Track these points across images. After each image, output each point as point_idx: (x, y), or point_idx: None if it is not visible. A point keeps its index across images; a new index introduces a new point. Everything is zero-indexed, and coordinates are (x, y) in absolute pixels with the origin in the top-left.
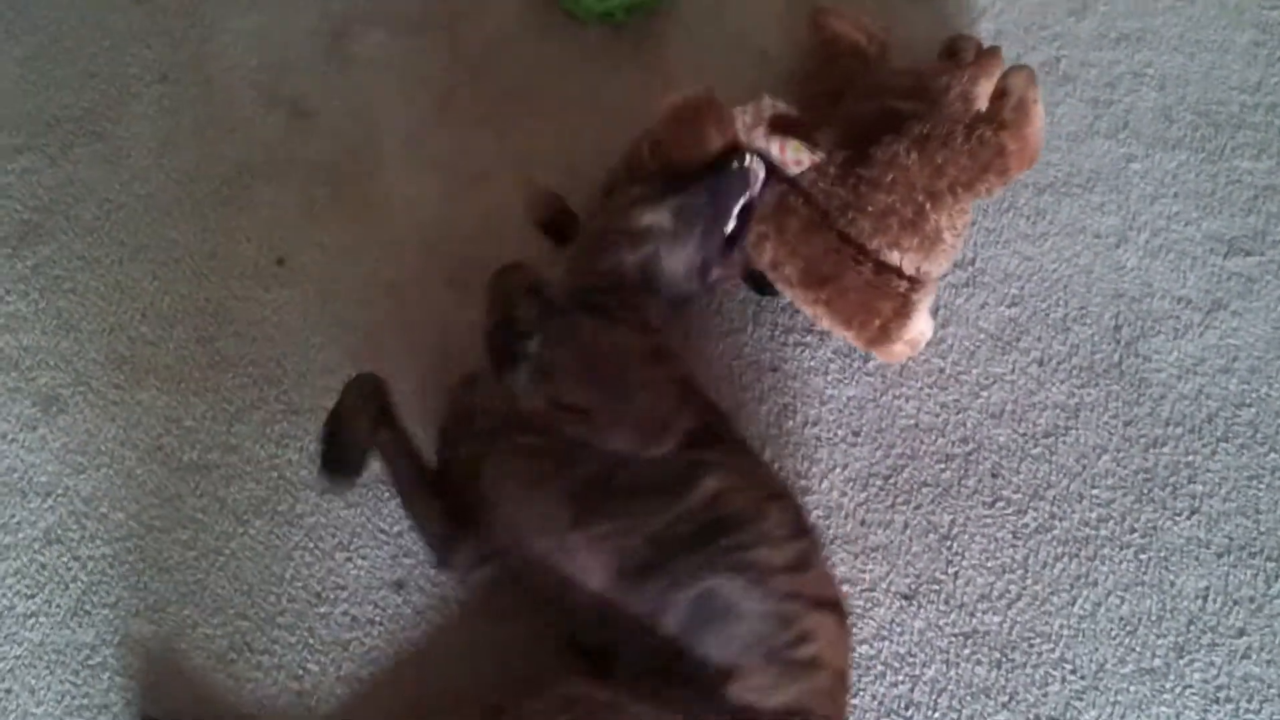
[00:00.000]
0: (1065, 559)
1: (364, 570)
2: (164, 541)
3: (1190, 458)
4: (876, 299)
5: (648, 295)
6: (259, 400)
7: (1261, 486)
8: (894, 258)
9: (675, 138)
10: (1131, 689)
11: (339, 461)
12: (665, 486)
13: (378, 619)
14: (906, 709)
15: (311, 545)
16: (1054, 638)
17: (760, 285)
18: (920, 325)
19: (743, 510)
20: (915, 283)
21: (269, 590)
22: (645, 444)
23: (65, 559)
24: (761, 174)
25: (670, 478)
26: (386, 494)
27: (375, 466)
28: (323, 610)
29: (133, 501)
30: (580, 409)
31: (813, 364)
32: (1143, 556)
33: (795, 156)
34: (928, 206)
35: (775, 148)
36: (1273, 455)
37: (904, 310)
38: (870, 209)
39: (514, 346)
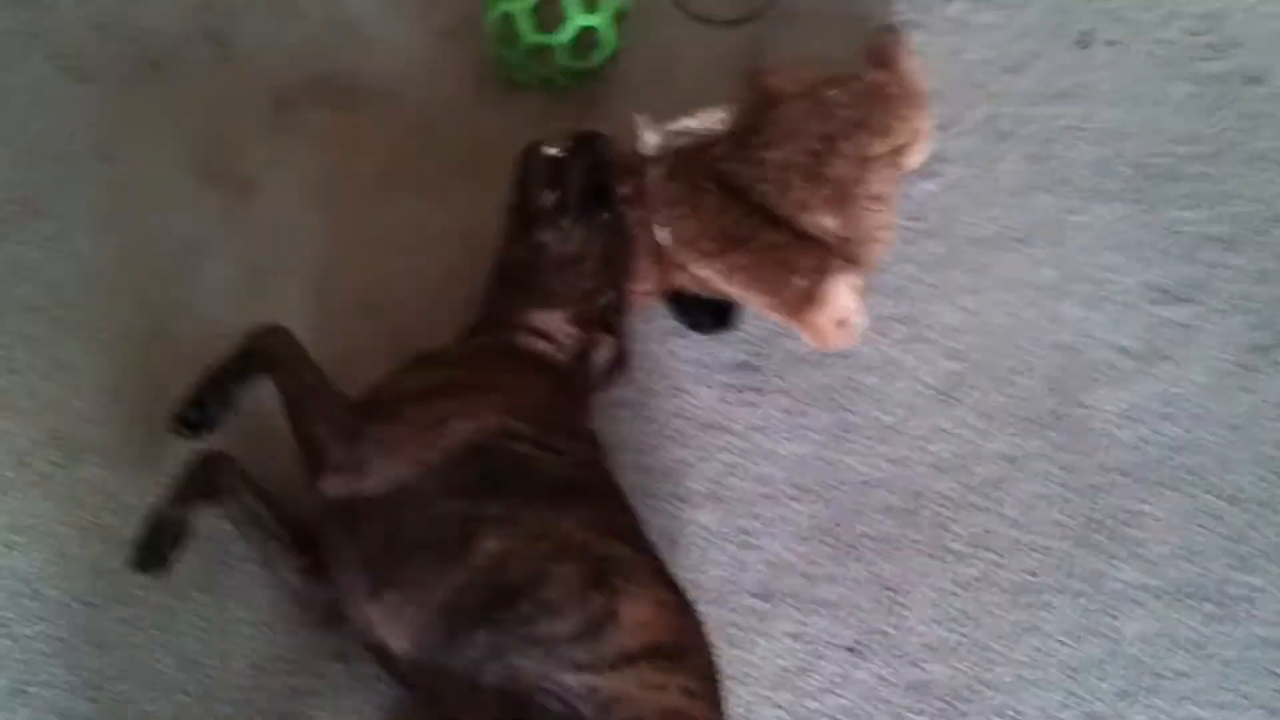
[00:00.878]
0: (1010, 607)
1: (305, 641)
2: (103, 618)
3: (1131, 504)
4: (795, 256)
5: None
6: None
7: (1202, 531)
8: (807, 222)
9: None
10: None
11: (153, 548)
12: (445, 546)
13: (321, 690)
14: None
15: (252, 618)
16: (1000, 686)
17: (696, 321)
18: (847, 299)
19: (524, 577)
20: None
21: (210, 664)
22: (421, 450)
23: (3, 640)
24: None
25: (448, 535)
26: None
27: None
28: (264, 682)
29: (71, 579)
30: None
31: (758, 421)
32: (1083, 602)
33: (713, 117)
34: (823, 152)
35: (694, 122)
36: (1212, 500)
37: (823, 267)
38: (771, 171)
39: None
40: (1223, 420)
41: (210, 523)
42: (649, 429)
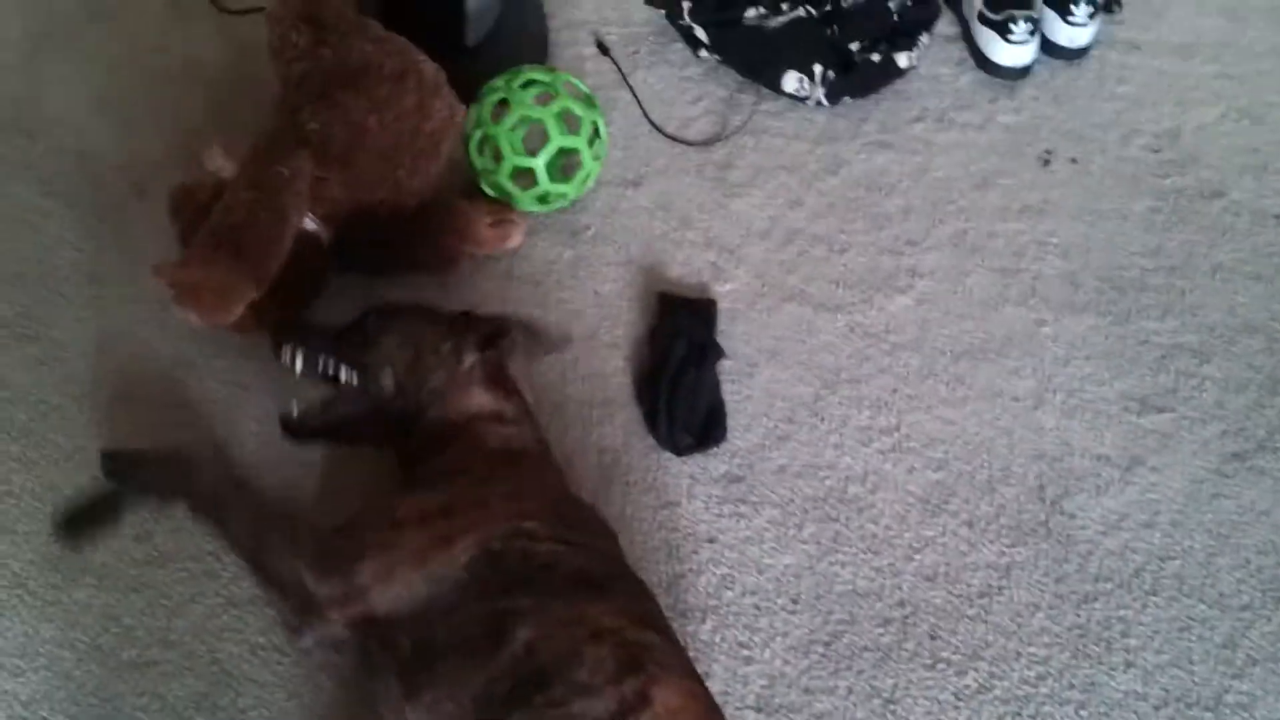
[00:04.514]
0: (1008, 718)
1: None
2: None
3: (1122, 612)
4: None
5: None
6: (198, 594)
7: (1193, 638)
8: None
9: None
10: None
11: (90, 518)
12: (479, 641)
13: None
14: None
15: None
16: None
17: (675, 443)
18: None
19: (557, 659)
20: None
21: None
22: (432, 570)
23: None
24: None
25: (482, 631)
26: (330, 685)
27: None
28: None
29: (72, 703)
30: None
31: (748, 534)
32: (1083, 713)
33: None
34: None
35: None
36: (1200, 606)
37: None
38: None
39: None
40: (1204, 527)
41: (209, 643)
42: (640, 545)
